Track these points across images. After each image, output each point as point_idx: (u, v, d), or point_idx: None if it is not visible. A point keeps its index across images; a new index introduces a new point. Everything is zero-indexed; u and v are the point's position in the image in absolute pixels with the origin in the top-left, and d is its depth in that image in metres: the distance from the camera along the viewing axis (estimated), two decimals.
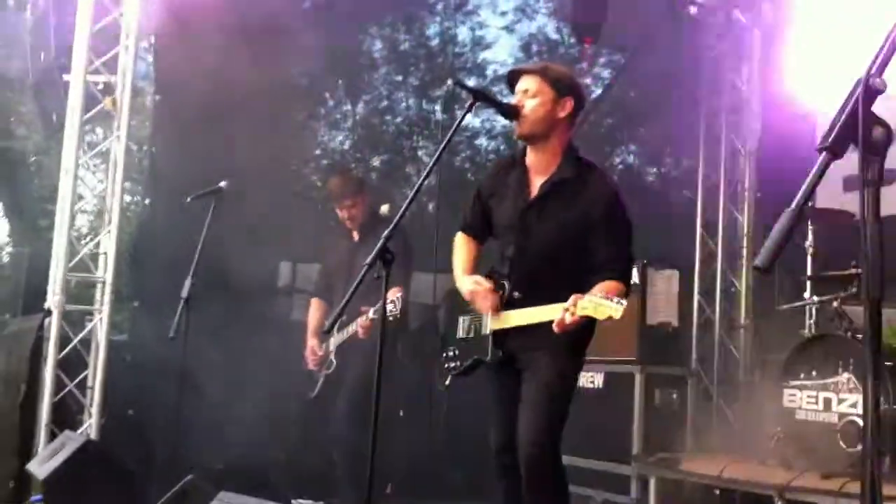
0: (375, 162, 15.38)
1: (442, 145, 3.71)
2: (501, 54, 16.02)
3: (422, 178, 3.60)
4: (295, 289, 7.97)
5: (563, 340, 3.46)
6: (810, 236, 5.33)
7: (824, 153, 1.56)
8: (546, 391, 3.52)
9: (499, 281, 3.69)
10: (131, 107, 5.93)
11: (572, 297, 3.25)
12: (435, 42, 16.21)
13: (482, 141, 16.19)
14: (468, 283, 3.69)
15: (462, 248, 3.91)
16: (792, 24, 6.80)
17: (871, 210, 1.52)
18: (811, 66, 6.65)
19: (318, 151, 15.13)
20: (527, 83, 3.62)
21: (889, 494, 4.11)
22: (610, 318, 3.16)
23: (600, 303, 3.17)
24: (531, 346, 3.56)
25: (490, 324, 3.68)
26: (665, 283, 6.00)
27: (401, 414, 6.20)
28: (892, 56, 1.55)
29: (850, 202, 6.03)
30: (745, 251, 7.12)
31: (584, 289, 3.33)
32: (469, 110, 3.61)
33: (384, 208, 6.13)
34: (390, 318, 4.56)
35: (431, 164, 3.58)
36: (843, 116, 1.56)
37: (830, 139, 1.55)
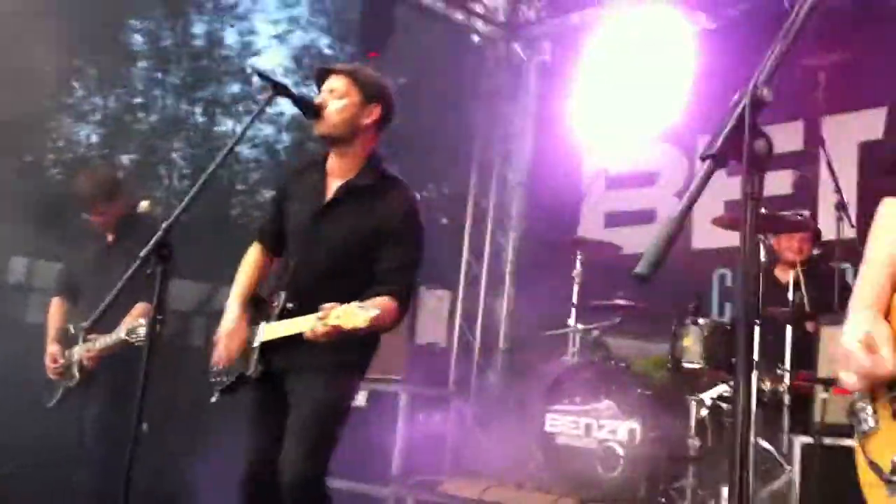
0: (125, 160, 14.53)
1: (236, 138, 3.40)
2: (270, 63, 15.68)
3: (206, 173, 3.24)
4: (31, 287, 7.23)
5: (334, 360, 3.24)
6: (578, 265, 5.45)
7: (708, 161, 1.48)
8: (314, 420, 3.25)
9: (276, 291, 3.45)
10: None
11: (325, 306, 3.02)
12: (200, 42, 15.61)
13: (242, 149, 15.71)
14: (227, 319, 3.44)
15: (248, 263, 3.60)
16: (570, 63, 7.07)
17: (750, 225, 1.46)
18: (585, 106, 6.95)
19: (61, 143, 14.09)
20: (334, 83, 3.41)
21: None
22: (355, 328, 2.93)
23: (351, 311, 2.95)
24: (301, 366, 3.30)
25: (259, 336, 3.40)
26: (436, 304, 5.98)
27: (144, 428, 5.70)
28: (777, 67, 1.51)
29: (612, 235, 6.31)
30: (507, 277, 7.25)
31: None
32: (269, 102, 3.32)
33: (143, 205, 5.68)
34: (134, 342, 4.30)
35: (220, 158, 3.27)
36: (729, 126, 1.49)
37: (716, 148, 1.48)
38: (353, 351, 3.29)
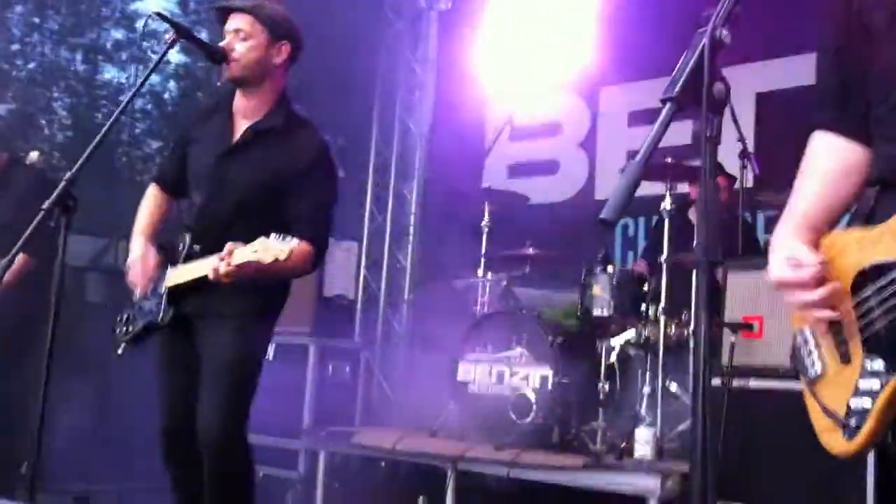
0: (1, 109, 13.83)
1: (136, 87, 3.27)
2: (154, 6, 15.10)
3: (109, 122, 3.08)
4: None
5: (246, 306, 3.15)
6: (486, 216, 5.45)
7: (668, 104, 1.47)
8: (228, 372, 3.14)
9: (181, 233, 3.33)
10: None
11: (228, 245, 2.90)
12: None
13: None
14: (134, 249, 3.31)
15: (147, 203, 3.47)
16: (472, 11, 7.01)
17: (709, 167, 1.46)
18: (486, 58, 6.92)
19: None
20: (238, 22, 3.24)
21: (557, 464, 4.33)
22: (276, 259, 2.80)
23: (270, 244, 2.81)
24: (210, 313, 3.18)
25: (165, 281, 3.26)
26: (343, 255, 5.90)
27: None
28: (734, 7, 1.51)
29: (515, 186, 6.34)
30: (412, 228, 7.22)
31: None
32: (171, 47, 3.16)
33: (32, 155, 5.45)
34: None
35: (121, 107, 3.12)
36: (688, 68, 1.48)
37: (676, 90, 1.47)
38: (263, 297, 3.21)
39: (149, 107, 14.91)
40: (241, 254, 2.85)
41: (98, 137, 2.95)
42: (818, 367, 1.72)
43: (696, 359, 1.43)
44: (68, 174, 2.80)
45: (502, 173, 6.99)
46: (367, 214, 7.19)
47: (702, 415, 1.39)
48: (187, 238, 3.25)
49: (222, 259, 2.90)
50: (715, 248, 1.46)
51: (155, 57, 3.28)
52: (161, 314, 3.22)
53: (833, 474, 3.52)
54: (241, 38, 3.24)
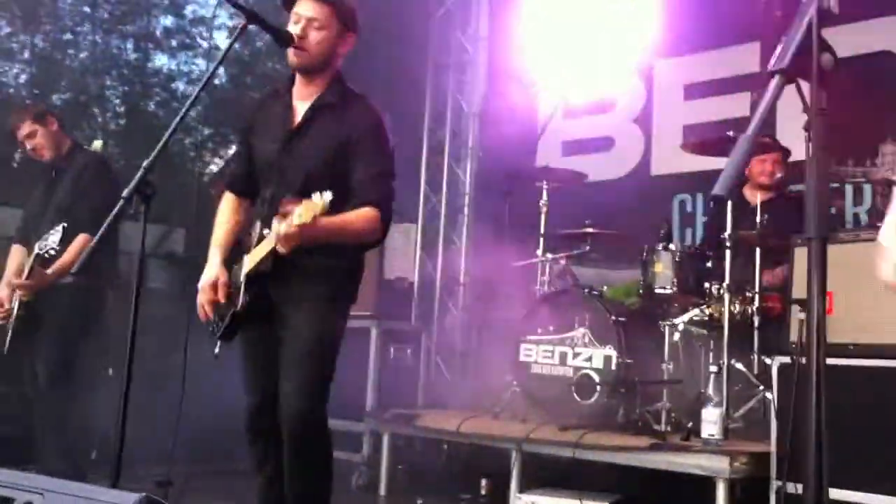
0: (56, 100, 14.01)
1: (208, 73, 3.28)
2: None
3: (184, 109, 3.11)
4: None
5: (324, 291, 3.21)
6: (545, 195, 5.42)
7: (777, 76, 1.44)
8: (310, 352, 3.21)
9: (253, 223, 3.36)
10: None
11: (281, 211, 2.93)
12: None
13: (179, 85, 15.28)
14: (207, 270, 3.34)
15: (224, 212, 3.50)
16: None
17: (817, 144, 1.43)
18: (538, 37, 6.85)
19: None
20: (314, 10, 3.24)
21: (622, 444, 4.32)
22: (314, 217, 2.81)
23: (306, 205, 2.82)
24: (290, 299, 3.25)
25: (243, 271, 3.30)
26: (403, 238, 5.91)
27: (110, 372, 5.60)
28: None
29: (570, 164, 6.28)
30: (466, 208, 7.21)
31: None
32: (241, 33, 3.18)
33: (96, 144, 5.55)
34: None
35: (195, 95, 3.14)
36: (797, 40, 1.45)
37: (786, 62, 1.44)
38: (340, 281, 3.25)
39: (200, 93, 14.99)
40: (298, 214, 2.85)
41: (173, 125, 2.99)
42: None
43: (809, 338, 1.41)
44: (145, 162, 2.82)
45: (557, 151, 6.93)
46: (421, 196, 7.18)
47: (816, 396, 1.37)
48: (258, 224, 3.28)
49: (280, 220, 2.91)
50: (825, 225, 1.43)
51: (205, 44, 3.30)
52: (240, 301, 3.24)
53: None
54: (315, 27, 3.24)
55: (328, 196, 2.82)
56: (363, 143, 3.22)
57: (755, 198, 4.89)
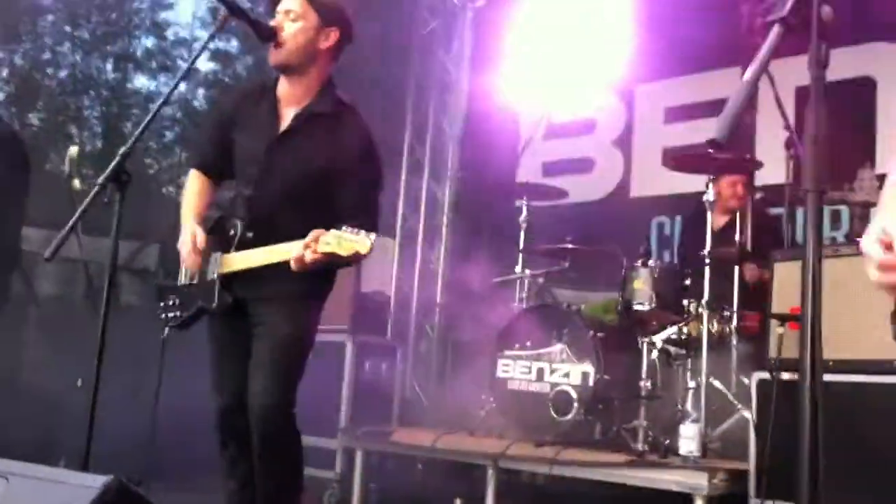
0: (33, 118, 13.96)
1: (183, 72, 3.25)
2: (184, 16, 15.22)
3: (164, 96, 3.09)
4: None
5: (297, 290, 3.17)
6: (524, 211, 5.40)
7: (777, 25, 1.42)
8: (280, 349, 3.19)
9: (230, 220, 3.32)
10: None
11: (314, 232, 2.94)
12: None
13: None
14: (184, 232, 3.29)
15: (191, 188, 3.47)
16: (506, 9, 6.96)
17: (818, 101, 1.41)
18: (521, 57, 6.87)
19: None
20: (290, 3, 3.26)
21: (600, 460, 4.26)
22: (356, 253, 2.88)
23: (345, 237, 2.88)
24: (262, 297, 3.22)
25: (217, 268, 3.27)
26: (380, 252, 5.83)
27: (79, 384, 5.47)
28: None
29: (553, 184, 6.26)
30: (444, 229, 7.17)
31: None
32: (222, 27, 3.18)
33: (72, 150, 5.47)
34: None
35: (177, 79, 3.10)
36: None
37: (785, 11, 1.41)
38: (311, 282, 3.20)
39: (178, 115, 14.97)
40: (325, 241, 2.90)
41: (151, 114, 2.97)
42: None
43: (803, 341, 1.36)
44: (122, 149, 2.80)
45: (538, 172, 6.92)
46: (399, 216, 7.13)
47: (810, 407, 1.32)
48: (239, 226, 3.24)
49: (308, 245, 2.93)
50: (823, 178, 1.40)
51: (184, 65, 3.29)
52: (215, 300, 3.24)
53: (886, 467, 3.44)
54: (290, 18, 3.25)
55: (372, 238, 2.87)
56: (354, 161, 3.22)
57: (719, 221, 4.93)
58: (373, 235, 2.88)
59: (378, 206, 3.31)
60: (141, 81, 14.95)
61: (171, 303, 3.39)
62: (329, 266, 3.07)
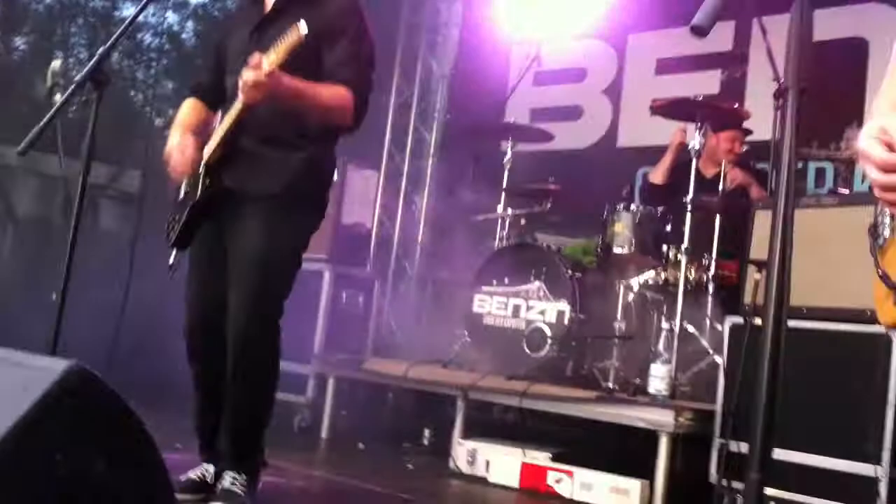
0: (19, 42, 13.71)
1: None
2: None
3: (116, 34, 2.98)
4: None
5: (281, 188, 3.05)
6: (509, 152, 5.38)
7: None
8: (256, 260, 3.03)
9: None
10: None
11: (254, 57, 2.82)
12: None
13: (146, 37, 14.99)
14: (173, 137, 3.22)
15: (185, 106, 3.41)
16: None
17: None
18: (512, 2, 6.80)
19: None
20: None
21: (569, 395, 4.30)
22: (299, 38, 2.73)
23: (278, 44, 2.78)
24: (244, 192, 3.07)
25: (203, 160, 3.15)
26: (363, 183, 5.82)
27: (53, 297, 5.44)
28: None
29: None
30: (429, 169, 7.15)
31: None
32: None
33: (55, 63, 5.40)
34: None
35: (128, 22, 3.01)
36: None
37: None
38: (300, 176, 3.10)
39: (166, 46, 14.75)
40: (268, 60, 2.79)
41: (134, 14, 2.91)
42: (887, 233, 1.67)
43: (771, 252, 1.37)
44: (101, 49, 2.76)
45: (525, 118, 6.88)
46: (385, 153, 7.09)
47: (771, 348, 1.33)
48: (220, 114, 3.18)
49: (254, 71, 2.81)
50: (805, 75, 1.39)
51: None
52: (199, 191, 3.11)
53: (850, 412, 3.48)
54: None
55: (303, 26, 2.72)
56: (340, 27, 3.10)
57: (710, 171, 4.93)
58: (303, 24, 2.73)
59: (366, 74, 3.17)
60: (129, 10, 14.68)
61: (171, 219, 3.27)
62: (297, 103, 2.98)
